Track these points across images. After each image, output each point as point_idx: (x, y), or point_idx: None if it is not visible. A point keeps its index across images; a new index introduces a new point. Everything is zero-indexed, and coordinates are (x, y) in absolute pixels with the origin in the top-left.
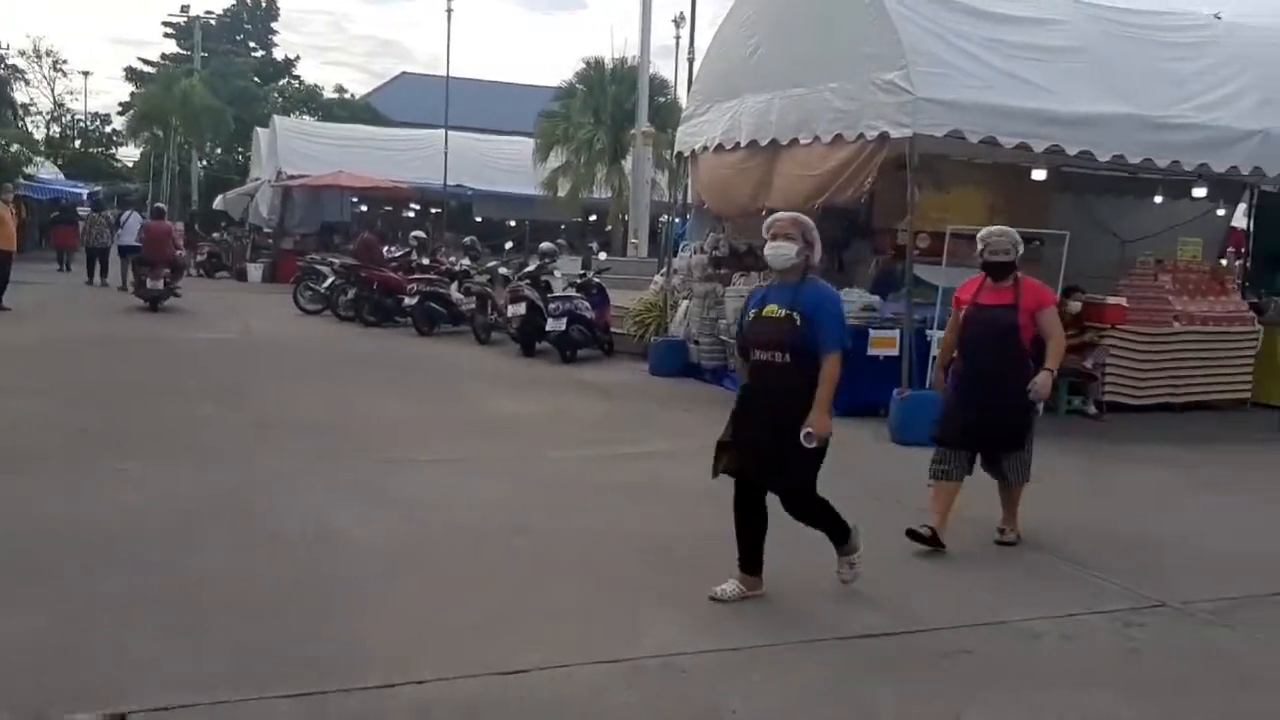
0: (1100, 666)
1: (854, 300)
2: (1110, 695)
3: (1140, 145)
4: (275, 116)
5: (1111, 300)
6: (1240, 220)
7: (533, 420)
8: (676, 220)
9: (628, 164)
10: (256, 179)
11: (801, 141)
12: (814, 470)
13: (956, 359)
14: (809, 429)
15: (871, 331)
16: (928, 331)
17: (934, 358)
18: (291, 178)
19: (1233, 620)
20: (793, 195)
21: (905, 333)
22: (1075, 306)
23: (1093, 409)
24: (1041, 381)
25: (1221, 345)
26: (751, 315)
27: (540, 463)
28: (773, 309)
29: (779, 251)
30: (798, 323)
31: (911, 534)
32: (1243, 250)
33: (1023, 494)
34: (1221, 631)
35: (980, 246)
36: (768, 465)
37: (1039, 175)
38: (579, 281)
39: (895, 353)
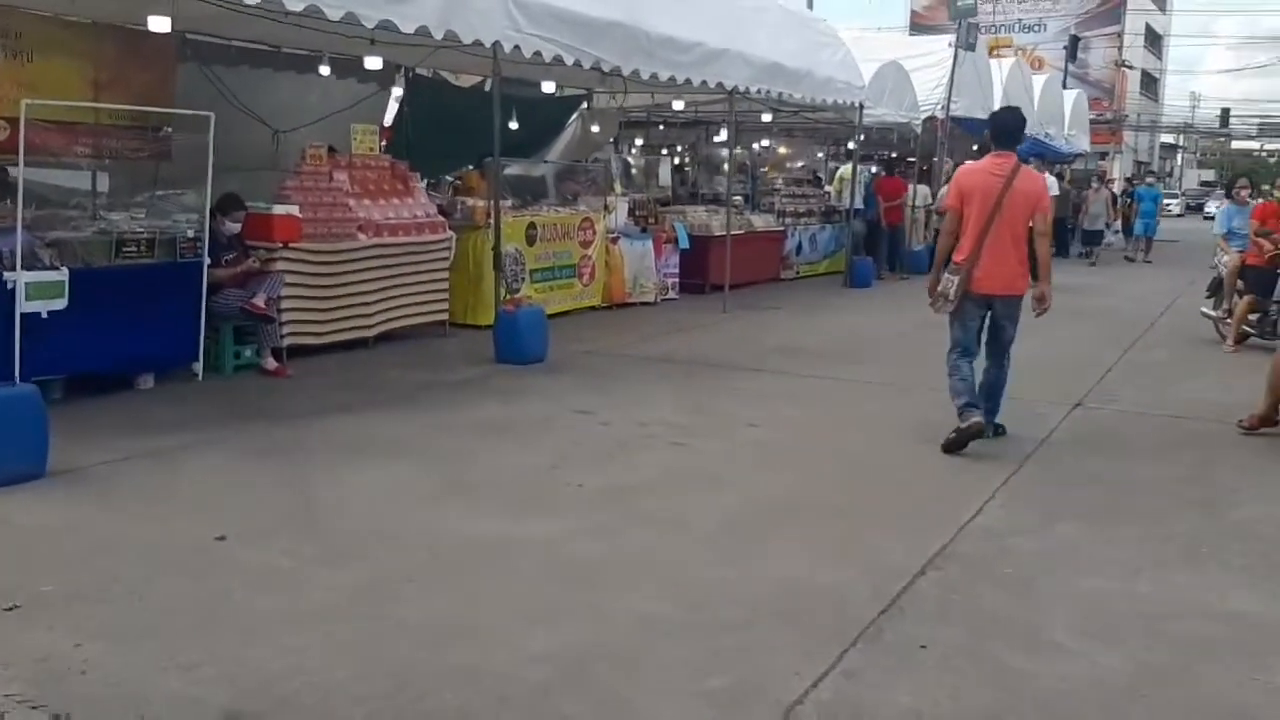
0: None
1: None
2: None
3: None
4: None
5: (280, 210)
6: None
7: None
8: None
9: None
10: None
11: None
12: None
13: None
14: None
15: None
16: (6, 275)
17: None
18: None
19: None
20: None
21: None
22: (234, 227)
23: (271, 361)
24: None
25: (414, 259)
26: None
27: None
28: None
29: None
30: None
31: None
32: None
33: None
34: None
35: None
36: None
37: (160, 25)
38: None
39: None
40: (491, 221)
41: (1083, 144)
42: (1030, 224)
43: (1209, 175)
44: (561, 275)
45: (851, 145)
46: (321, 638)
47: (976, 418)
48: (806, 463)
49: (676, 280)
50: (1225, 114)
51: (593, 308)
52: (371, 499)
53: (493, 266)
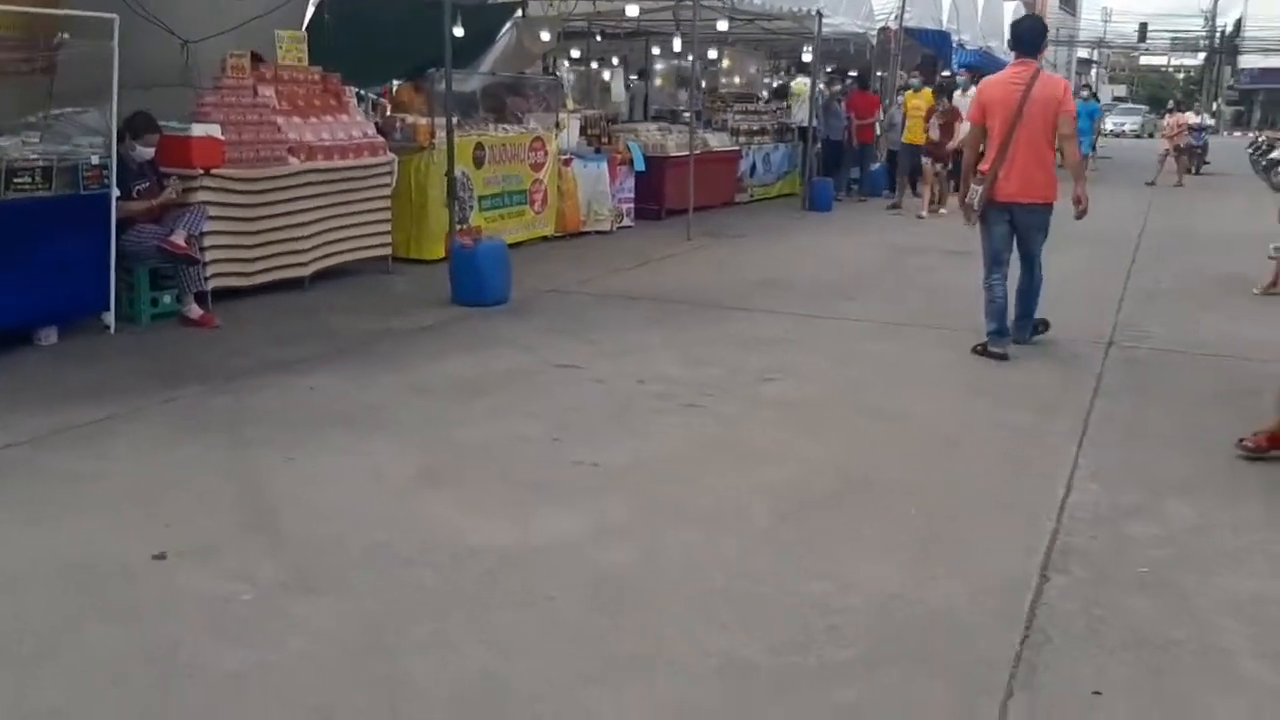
0: None
1: None
2: None
3: None
4: None
5: (199, 130)
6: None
7: None
8: None
9: None
10: None
11: None
12: None
13: None
14: None
15: None
16: None
17: None
18: None
19: None
20: None
21: None
22: (147, 152)
23: (195, 309)
24: None
25: (352, 186)
26: None
27: None
28: None
29: None
30: None
31: None
32: None
33: None
34: None
35: None
36: None
37: None
38: None
39: None
40: (438, 143)
41: None
42: (1056, 129)
43: (1120, 91)
44: (512, 202)
45: (807, 58)
46: (309, 716)
47: (1002, 350)
48: (843, 425)
49: (631, 206)
50: (1143, 28)
51: (545, 238)
52: (342, 490)
53: (446, 194)
